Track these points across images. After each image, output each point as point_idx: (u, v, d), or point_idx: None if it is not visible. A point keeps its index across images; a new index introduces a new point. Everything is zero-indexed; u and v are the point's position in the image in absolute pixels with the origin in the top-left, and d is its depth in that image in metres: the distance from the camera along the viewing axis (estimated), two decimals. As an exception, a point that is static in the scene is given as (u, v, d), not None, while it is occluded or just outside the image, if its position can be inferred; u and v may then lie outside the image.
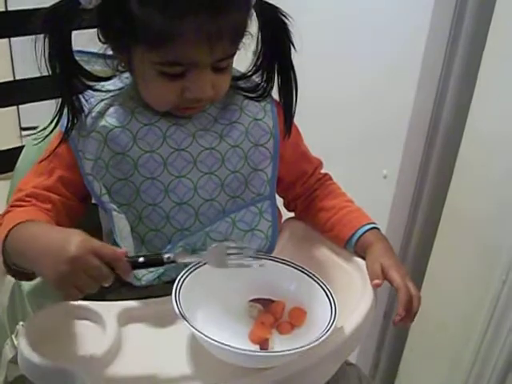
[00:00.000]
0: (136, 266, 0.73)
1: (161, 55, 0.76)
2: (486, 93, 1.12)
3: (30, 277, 0.81)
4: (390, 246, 0.90)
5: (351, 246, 0.91)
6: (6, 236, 0.76)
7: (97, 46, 0.84)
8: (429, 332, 1.34)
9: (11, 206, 0.83)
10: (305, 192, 0.98)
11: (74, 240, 0.69)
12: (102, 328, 0.76)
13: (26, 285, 0.92)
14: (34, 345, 0.71)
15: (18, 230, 0.76)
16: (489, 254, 1.16)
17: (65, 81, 0.82)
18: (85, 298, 0.79)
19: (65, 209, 0.85)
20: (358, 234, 0.90)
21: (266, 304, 0.81)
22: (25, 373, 0.71)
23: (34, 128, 1.00)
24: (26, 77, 1.29)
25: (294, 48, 0.87)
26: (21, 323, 0.79)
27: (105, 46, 0.83)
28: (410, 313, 0.81)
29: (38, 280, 0.90)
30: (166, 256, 0.73)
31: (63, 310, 0.78)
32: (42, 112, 0.99)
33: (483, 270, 1.17)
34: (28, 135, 1.04)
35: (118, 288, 0.89)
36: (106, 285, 0.70)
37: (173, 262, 0.74)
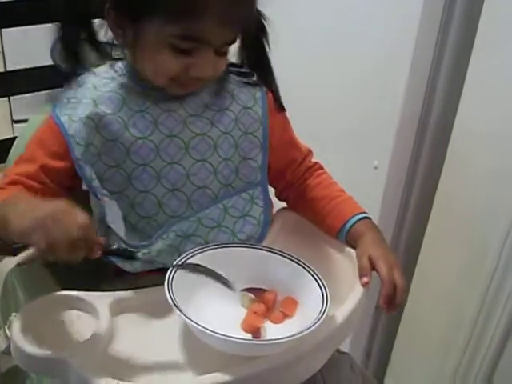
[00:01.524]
0: (107, 252, 0.75)
1: (180, 28, 0.77)
2: (476, 84, 1.12)
3: (12, 250, 0.80)
4: (381, 235, 0.91)
5: (342, 237, 0.92)
6: None
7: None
8: (421, 321, 1.35)
9: None
10: (295, 181, 0.99)
11: (59, 201, 0.70)
12: (94, 318, 0.76)
13: (20, 278, 0.93)
14: (26, 335, 0.71)
15: (5, 200, 0.77)
16: (480, 242, 1.16)
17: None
18: (78, 289, 0.80)
19: (47, 197, 0.82)
20: (348, 225, 0.91)
21: (258, 293, 0.81)
22: (18, 363, 0.72)
23: (26, 121, 1.00)
24: (18, 68, 1.29)
25: (269, 45, 0.92)
26: (13, 314, 0.79)
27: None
28: (394, 305, 0.82)
29: (32, 272, 0.91)
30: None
31: (56, 300, 0.78)
32: (33, 105, 0.99)
33: (474, 259, 1.18)
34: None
35: (111, 279, 0.90)
36: (80, 255, 0.69)
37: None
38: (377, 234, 0.90)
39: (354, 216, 0.91)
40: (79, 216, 0.69)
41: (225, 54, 0.85)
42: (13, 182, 0.83)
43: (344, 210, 0.93)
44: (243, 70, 0.94)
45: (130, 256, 0.78)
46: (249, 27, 0.86)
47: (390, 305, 0.82)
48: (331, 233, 0.93)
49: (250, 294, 0.81)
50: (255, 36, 0.90)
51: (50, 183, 0.85)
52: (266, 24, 0.90)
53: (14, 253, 0.80)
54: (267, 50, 0.92)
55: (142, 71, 0.85)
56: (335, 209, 0.93)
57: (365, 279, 0.84)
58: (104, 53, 0.88)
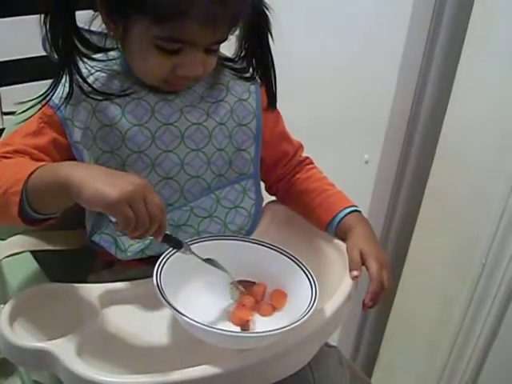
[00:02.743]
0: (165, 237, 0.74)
1: (165, 30, 0.76)
2: (467, 77, 1.12)
3: (43, 220, 0.77)
4: (371, 229, 0.91)
5: (332, 229, 0.92)
6: (29, 176, 0.72)
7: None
8: (410, 316, 1.35)
9: None
10: (286, 174, 0.99)
11: (136, 176, 0.69)
12: (84, 310, 0.76)
13: (9, 269, 0.92)
14: (14, 327, 0.71)
15: (47, 166, 0.74)
16: (469, 237, 1.17)
17: (66, 46, 0.81)
18: (67, 281, 0.79)
19: None
20: (338, 217, 0.91)
21: (247, 286, 0.81)
22: (6, 355, 0.71)
23: (15, 113, 0.99)
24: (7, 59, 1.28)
25: (272, 38, 0.90)
26: (1, 306, 0.79)
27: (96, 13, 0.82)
28: (375, 304, 0.83)
29: (21, 264, 0.91)
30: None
31: (44, 292, 0.78)
32: (23, 97, 0.98)
33: (464, 254, 1.19)
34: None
35: (99, 270, 0.90)
36: (148, 235, 0.70)
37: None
38: (367, 228, 0.91)
39: (344, 209, 0.92)
40: (158, 197, 0.70)
41: (215, 51, 0.84)
42: (19, 152, 0.81)
43: (334, 202, 0.93)
44: (237, 65, 0.93)
45: (179, 244, 0.77)
46: (242, 22, 0.84)
47: (374, 303, 0.82)
48: (320, 225, 0.93)
49: (239, 287, 0.81)
50: (256, 26, 0.89)
51: (59, 159, 0.82)
52: (268, 14, 0.88)
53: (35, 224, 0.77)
54: (269, 40, 0.90)
55: (133, 69, 0.85)
56: (325, 202, 0.94)
57: (355, 273, 0.84)
58: (92, 45, 0.87)
